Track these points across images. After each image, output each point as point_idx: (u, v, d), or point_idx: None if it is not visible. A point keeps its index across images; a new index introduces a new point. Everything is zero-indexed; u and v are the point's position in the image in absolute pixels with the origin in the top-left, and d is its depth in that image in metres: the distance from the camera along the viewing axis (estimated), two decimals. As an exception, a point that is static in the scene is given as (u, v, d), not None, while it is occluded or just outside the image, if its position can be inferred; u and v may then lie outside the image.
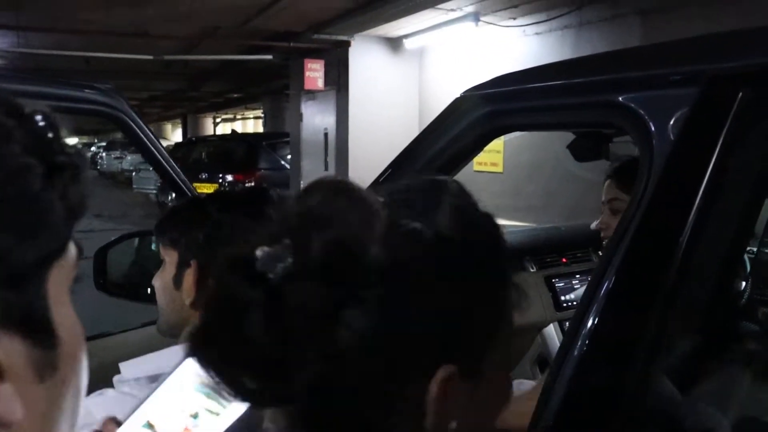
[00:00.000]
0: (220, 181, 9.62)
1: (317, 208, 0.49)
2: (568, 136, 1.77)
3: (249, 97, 15.54)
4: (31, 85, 1.62)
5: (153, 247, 1.81)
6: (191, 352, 0.48)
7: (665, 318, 0.99)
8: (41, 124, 0.40)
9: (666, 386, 1.24)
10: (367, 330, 0.46)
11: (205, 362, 0.47)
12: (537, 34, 6.22)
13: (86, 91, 1.77)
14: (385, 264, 0.47)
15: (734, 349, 1.65)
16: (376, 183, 1.92)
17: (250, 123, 22.53)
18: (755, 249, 2.07)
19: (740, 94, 0.95)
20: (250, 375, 0.47)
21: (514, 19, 6.32)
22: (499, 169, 6.64)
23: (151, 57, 7.64)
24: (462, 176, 1.89)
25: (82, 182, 0.39)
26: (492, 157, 6.61)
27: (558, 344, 2.23)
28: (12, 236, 0.34)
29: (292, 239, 0.47)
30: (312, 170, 8.59)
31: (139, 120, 1.84)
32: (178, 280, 1.17)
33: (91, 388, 0.98)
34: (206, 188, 9.69)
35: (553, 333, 2.41)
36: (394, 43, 7.61)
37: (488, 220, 0.58)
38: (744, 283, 1.95)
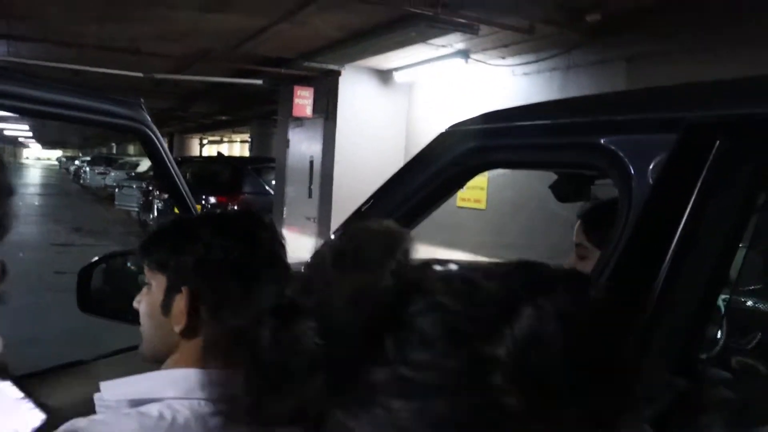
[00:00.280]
0: (203, 202, 9.59)
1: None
2: (551, 175, 1.79)
3: (237, 121, 15.57)
4: (58, 95, 1.59)
5: (135, 267, 1.79)
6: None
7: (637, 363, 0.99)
8: None
9: None
10: None
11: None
12: (525, 74, 6.31)
13: (114, 104, 1.75)
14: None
15: (707, 396, 1.65)
16: (358, 212, 1.92)
17: (237, 146, 22.55)
18: (728, 296, 2.08)
19: (717, 142, 0.97)
20: None
21: (504, 58, 6.42)
22: (482, 205, 6.67)
23: (141, 74, 7.65)
24: (445, 212, 1.89)
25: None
26: (475, 193, 6.65)
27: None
28: None
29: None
30: (296, 197, 8.59)
31: (160, 137, 1.83)
32: (166, 306, 1.10)
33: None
34: (188, 209, 9.66)
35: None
36: (384, 76, 7.68)
37: None
38: (719, 331, 1.96)
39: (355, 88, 7.65)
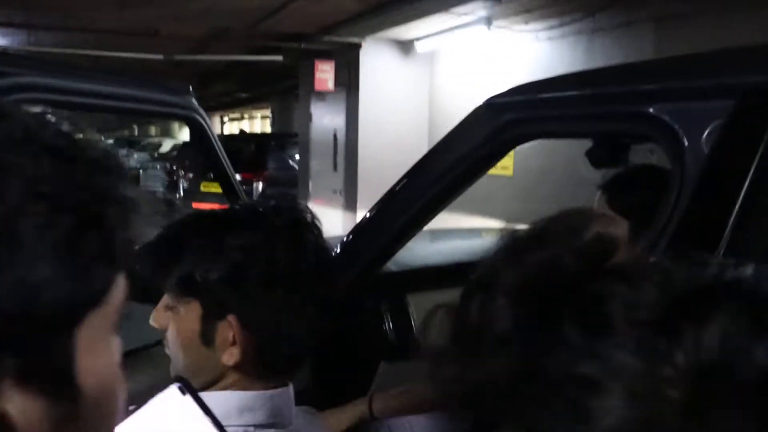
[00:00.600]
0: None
1: None
2: (579, 141, 1.76)
3: (257, 97, 15.55)
4: (109, 86, 1.59)
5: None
6: None
7: None
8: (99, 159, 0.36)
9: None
10: None
11: None
12: (550, 39, 6.22)
13: (164, 92, 1.75)
14: None
15: None
16: (396, 187, 1.91)
17: (257, 123, 22.56)
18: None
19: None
20: None
21: (527, 23, 6.32)
22: (509, 173, 6.63)
23: (161, 57, 7.65)
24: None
25: (130, 225, 0.35)
26: (502, 161, 6.61)
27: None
28: (30, 289, 0.30)
29: None
30: (321, 170, 8.60)
31: (209, 122, 1.83)
32: (207, 336, 0.92)
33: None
34: (214, 187, 9.71)
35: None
36: (405, 46, 7.61)
37: None
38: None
39: (376, 59, 7.60)
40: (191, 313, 0.92)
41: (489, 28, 6.36)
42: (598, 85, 1.32)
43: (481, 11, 6.10)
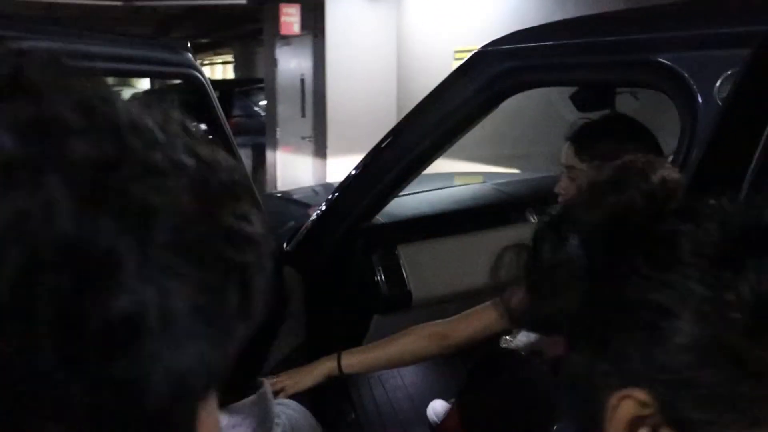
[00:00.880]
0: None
1: None
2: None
3: (218, 42, 15.15)
4: (100, 46, 1.47)
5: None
6: None
7: None
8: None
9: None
10: None
11: None
12: (519, -23, 6.12)
13: (163, 50, 1.65)
14: None
15: None
16: (391, 134, 1.87)
17: (218, 68, 22.04)
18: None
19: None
20: None
21: (495, -39, 6.20)
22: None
23: (120, 3, 7.35)
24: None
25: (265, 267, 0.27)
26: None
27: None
28: (178, 374, 0.23)
29: None
30: (288, 117, 8.46)
31: (208, 80, 1.75)
32: None
33: None
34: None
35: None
36: (371, -14, 7.43)
37: None
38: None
39: (342, 1, 7.41)
40: None
41: (458, -34, 6.23)
42: (603, 33, 1.29)
43: (449, -51, 5.95)
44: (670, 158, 2.50)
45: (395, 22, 7.64)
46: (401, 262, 2.14)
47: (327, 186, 3.59)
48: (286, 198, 3.25)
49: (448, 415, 2.05)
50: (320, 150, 7.82)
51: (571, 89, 1.70)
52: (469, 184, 3.09)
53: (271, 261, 0.28)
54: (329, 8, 7.37)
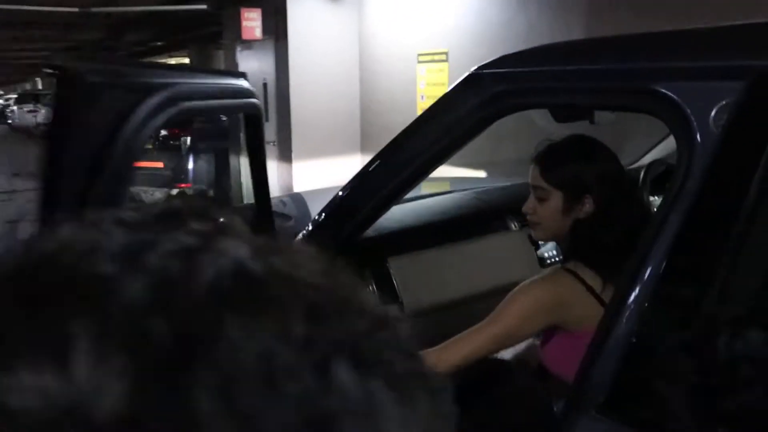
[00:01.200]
0: (153, 136, 9.31)
1: None
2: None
3: (173, 45, 14.95)
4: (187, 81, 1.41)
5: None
6: None
7: (714, 320, 1.05)
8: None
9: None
10: None
11: None
12: (480, -20, 6.20)
13: (227, 79, 1.54)
14: None
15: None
16: (378, 157, 1.91)
17: (172, 70, 21.68)
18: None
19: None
20: None
21: (456, -36, 6.27)
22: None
23: (77, 9, 7.21)
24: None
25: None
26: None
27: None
28: None
29: None
30: (251, 122, 8.43)
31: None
32: None
33: None
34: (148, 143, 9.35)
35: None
36: (332, -10, 7.45)
37: None
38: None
39: (304, 6, 7.41)
40: None
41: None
42: (602, 59, 1.34)
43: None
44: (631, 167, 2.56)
45: (357, 25, 7.68)
46: (392, 273, 2.19)
47: (294, 196, 3.57)
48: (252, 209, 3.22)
49: None
50: (285, 154, 7.82)
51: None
52: (437, 192, 3.12)
53: None
54: (291, 12, 7.37)
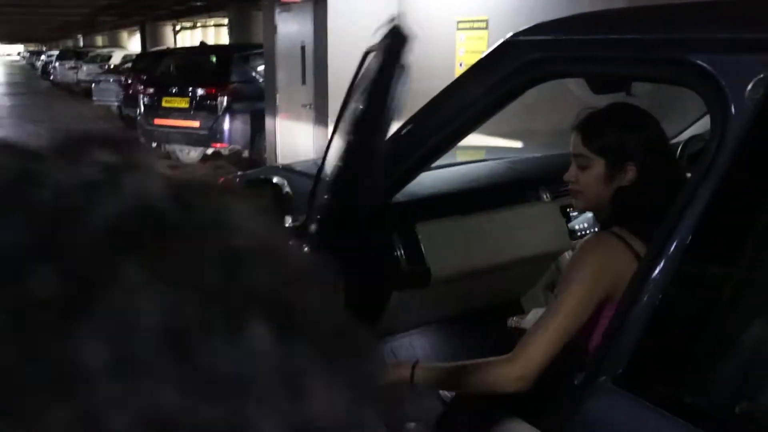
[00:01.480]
0: (191, 95, 9.40)
1: None
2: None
3: (212, 5, 14.97)
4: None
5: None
6: None
7: (739, 295, 1.05)
8: None
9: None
10: None
11: None
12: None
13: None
14: None
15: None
16: (410, 121, 1.92)
17: (211, 31, 21.78)
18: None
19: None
20: None
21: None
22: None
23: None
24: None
25: None
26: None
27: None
28: None
29: None
30: (288, 84, 8.44)
31: None
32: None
33: None
34: (177, 102, 9.47)
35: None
36: (373, -48, 7.36)
37: None
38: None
39: (343, -32, 7.35)
40: None
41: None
42: (638, 29, 1.33)
43: None
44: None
45: (398, -13, 7.59)
46: (420, 239, 2.20)
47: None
48: (289, 170, 3.26)
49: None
50: (321, 118, 7.83)
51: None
52: (471, 161, 3.11)
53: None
54: (331, -25, 7.31)
